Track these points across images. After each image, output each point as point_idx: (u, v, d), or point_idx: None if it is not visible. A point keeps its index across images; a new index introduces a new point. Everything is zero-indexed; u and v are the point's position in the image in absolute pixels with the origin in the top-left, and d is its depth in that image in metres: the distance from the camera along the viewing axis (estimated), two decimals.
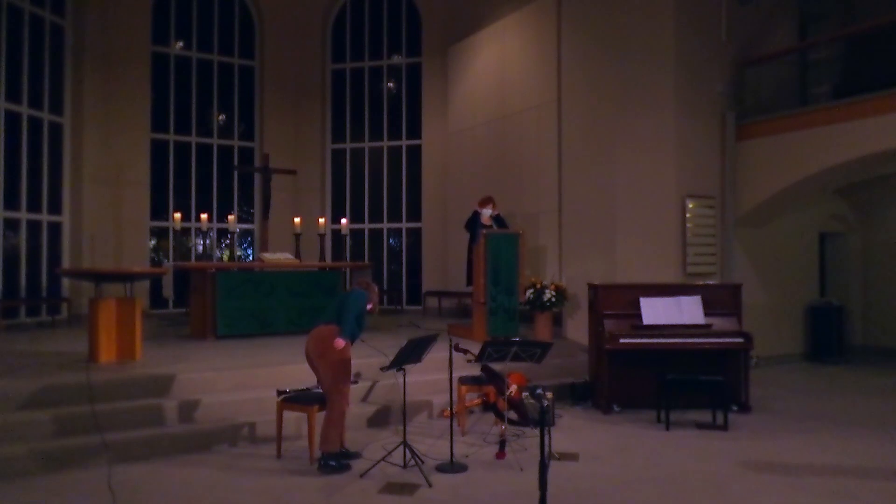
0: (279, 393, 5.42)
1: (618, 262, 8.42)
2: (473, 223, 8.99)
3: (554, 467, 4.69)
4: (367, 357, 6.41)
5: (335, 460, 4.99)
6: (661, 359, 6.75)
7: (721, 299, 7.09)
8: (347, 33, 13.51)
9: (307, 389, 5.54)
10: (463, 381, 6.15)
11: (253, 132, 13.21)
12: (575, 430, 6.20)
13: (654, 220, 8.49)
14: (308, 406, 5.22)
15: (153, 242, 12.38)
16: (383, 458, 5.01)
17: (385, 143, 13.37)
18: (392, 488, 4.60)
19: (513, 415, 5.79)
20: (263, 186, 10.90)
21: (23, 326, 10.08)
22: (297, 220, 10.08)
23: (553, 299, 8.37)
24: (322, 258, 10.54)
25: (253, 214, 13.12)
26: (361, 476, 4.83)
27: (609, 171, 8.63)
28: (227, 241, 12.44)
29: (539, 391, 3.58)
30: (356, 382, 6.21)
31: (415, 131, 13.13)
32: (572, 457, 5.32)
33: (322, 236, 10.27)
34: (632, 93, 8.51)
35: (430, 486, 4.64)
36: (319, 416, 5.21)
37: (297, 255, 9.74)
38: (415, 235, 13.13)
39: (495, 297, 8.05)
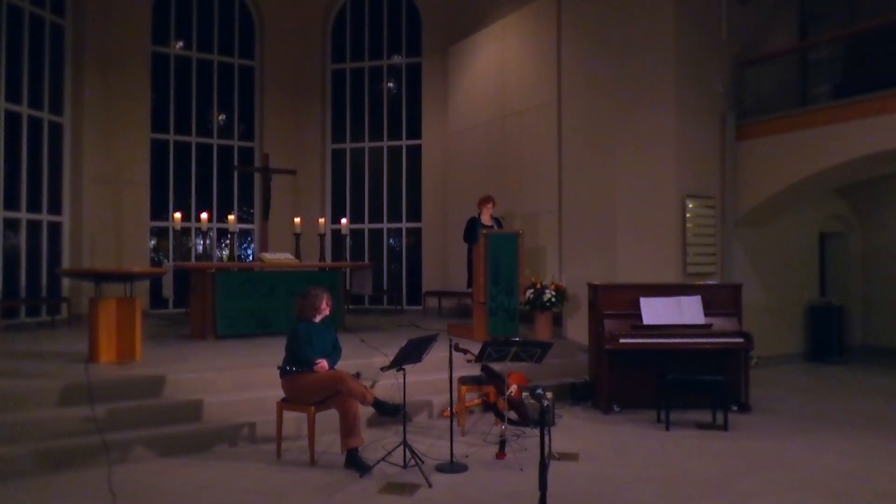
0: None
1: (618, 262, 8.42)
2: (472, 229, 8.97)
3: (554, 467, 4.69)
4: (368, 357, 6.43)
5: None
6: (661, 359, 6.74)
7: (721, 299, 7.08)
8: (347, 33, 13.51)
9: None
10: (463, 381, 6.15)
11: (253, 132, 13.21)
12: (575, 430, 6.20)
13: (654, 220, 8.49)
14: (308, 406, 5.22)
15: (153, 242, 12.38)
16: (383, 458, 5.00)
17: (385, 143, 13.37)
18: (392, 488, 4.60)
19: (513, 415, 5.80)
20: (263, 186, 10.90)
21: (23, 326, 10.07)
22: (297, 220, 10.08)
23: (553, 299, 8.36)
24: (322, 258, 10.55)
25: (253, 214, 13.12)
26: (361, 476, 4.83)
27: (609, 171, 8.63)
28: (227, 241, 12.44)
29: (539, 391, 3.59)
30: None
31: (415, 131, 13.13)
32: (572, 457, 5.32)
33: (322, 236, 10.27)
34: (632, 92, 8.51)
35: (430, 486, 4.64)
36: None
37: (297, 255, 9.74)
38: (415, 235, 13.13)
39: (495, 297, 8.04)
